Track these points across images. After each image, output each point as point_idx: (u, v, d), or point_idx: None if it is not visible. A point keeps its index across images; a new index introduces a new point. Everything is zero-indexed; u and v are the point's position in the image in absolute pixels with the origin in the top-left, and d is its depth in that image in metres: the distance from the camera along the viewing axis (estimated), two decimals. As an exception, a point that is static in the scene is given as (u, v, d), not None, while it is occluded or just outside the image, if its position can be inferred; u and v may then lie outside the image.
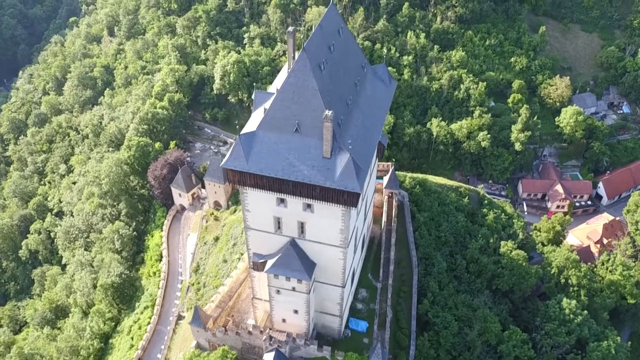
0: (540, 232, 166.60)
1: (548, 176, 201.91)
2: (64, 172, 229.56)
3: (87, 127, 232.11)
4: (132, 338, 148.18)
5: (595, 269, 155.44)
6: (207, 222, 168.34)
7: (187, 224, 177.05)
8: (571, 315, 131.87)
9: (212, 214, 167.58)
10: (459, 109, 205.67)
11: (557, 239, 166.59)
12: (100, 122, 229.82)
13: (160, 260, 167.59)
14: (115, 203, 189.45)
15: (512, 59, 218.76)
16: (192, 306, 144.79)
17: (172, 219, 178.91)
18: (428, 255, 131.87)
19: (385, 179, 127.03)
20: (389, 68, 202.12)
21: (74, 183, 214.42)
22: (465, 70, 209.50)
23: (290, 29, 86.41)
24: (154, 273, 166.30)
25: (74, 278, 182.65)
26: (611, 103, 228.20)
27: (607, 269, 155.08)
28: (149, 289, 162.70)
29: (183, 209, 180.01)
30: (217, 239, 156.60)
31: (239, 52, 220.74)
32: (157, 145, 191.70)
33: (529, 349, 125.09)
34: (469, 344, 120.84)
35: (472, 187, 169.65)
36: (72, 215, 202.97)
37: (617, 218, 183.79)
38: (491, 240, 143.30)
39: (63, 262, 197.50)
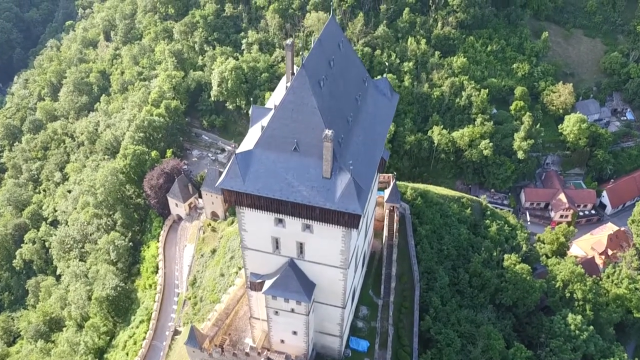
0: (544, 243, 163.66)
1: (551, 185, 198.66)
2: (59, 180, 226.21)
3: (82, 134, 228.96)
4: (127, 354, 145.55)
5: (600, 282, 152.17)
6: (204, 233, 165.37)
7: (183, 234, 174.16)
8: (577, 332, 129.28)
9: (210, 224, 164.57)
10: (461, 117, 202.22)
11: (561, 251, 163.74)
12: (96, 129, 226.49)
13: (157, 272, 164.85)
14: (110, 212, 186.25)
15: (514, 65, 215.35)
16: (188, 321, 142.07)
17: (169, 229, 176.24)
18: (430, 269, 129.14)
19: (387, 192, 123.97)
20: (389, 75, 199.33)
21: (69, 191, 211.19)
22: (467, 77, 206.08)
23: (289, 41, 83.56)
24: (150, 285, 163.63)
25: (68, 289, 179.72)
26: (614, 109, 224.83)
27: (612, 282, 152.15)
28: (145, 302, 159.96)
29: (180, 219, 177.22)
30: (214, 251, 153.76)
31: (237, 58, 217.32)
32: (154, 153, 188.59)
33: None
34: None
35: (474, 198, 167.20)
36: (67, 224, 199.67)
37: (622, 228, 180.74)
38: (494, 254, 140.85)
39: (58, 272, 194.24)
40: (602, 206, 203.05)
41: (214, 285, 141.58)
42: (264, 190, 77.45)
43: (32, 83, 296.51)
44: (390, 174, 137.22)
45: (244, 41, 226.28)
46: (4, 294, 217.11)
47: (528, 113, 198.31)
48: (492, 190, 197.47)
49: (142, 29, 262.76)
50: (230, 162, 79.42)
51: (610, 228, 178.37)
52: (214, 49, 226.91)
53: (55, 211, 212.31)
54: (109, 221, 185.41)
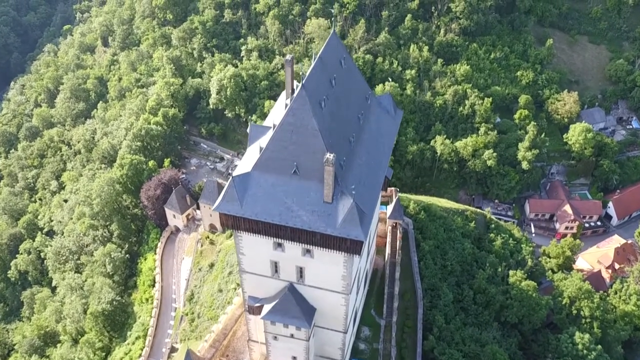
0: (549, 257, 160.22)
1: (556, 195, 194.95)
2: (56, 188, 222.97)
3: (79, 142, 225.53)
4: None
5: (607, 298, 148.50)
6: (202, 246, 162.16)
7: (181, 247, 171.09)
8: (585, 351, 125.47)
9: (208, 237, 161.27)
10: (464, 125, 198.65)
11: (567, 265, 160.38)
12: (93, 137, 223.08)
13: (153, 285, 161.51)
14: (107, 224, 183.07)
15: (518, 73, 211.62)
16: (185, 338, 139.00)
17: (166, 240, 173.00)
18: (433, 286, 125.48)
19: (390, 208, 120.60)
20: (391, 83, 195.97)
21: (65, 201, 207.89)
22: (470, 85, 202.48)
23: (288, 57, 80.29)
24: (147, 299, 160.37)
25: (64, 302, 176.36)
26: (620, 118, 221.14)
27: (620, 297, 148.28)
28: (141, 316, 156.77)
29: (177, 230, 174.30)
30: (212, 265, 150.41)
31: (236, 66, 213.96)
32: (151, 163, 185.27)
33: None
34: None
35: (478, 210, 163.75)
36: (62, 235, 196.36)
37: (629, 241, 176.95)
38: (499, 269, 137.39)
39: (53, 284, 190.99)
40: (608, 217, 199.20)
41: (212, 301, 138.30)
42: (262, 215, 74.53)
43: (28, 89, 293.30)
44: (393, 188, 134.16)
45: (243, 48, 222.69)
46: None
47: (533, 122, 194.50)
48: (496, 200, 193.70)
49: (140, 34, 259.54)
50: (227, 184, 76.34)
51: (617, 241, 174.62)
52: (212, 55, 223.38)
53: (51, 221, 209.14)
54: (105, 232, 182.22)
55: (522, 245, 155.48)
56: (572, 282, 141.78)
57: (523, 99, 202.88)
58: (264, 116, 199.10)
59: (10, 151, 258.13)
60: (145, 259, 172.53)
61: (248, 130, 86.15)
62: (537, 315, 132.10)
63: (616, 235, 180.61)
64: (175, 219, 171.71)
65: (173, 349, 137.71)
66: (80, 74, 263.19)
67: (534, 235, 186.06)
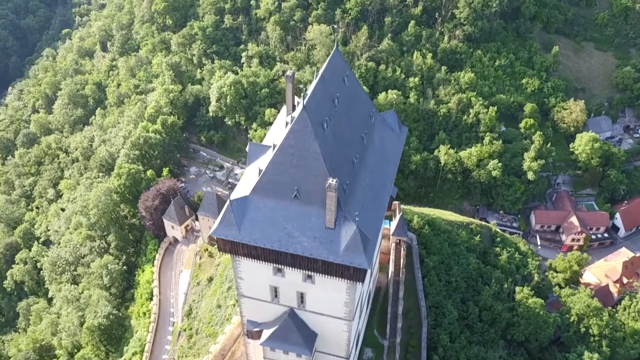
0: (556, 272, 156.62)
1: (562, 206, 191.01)
2: (53, 196, 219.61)
3: (77, 149, 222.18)
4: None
5: (616, 314, 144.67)
6: (200, 258, 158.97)
7: (180, 259, 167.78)
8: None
9: (207, 249, 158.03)
10: (468, 134, 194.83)
11: (574, 279, 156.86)
12: (91, 145, 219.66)
13: (151, 299, 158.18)
14: (104, 234, 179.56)
15: (524, 81, 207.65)
16: (183, 355, 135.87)
17: (165, 252, 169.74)
18: (438, 303, 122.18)
19: (393, 224, 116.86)
20: (394, 91, 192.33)
21: (63, 210, 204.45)
22: (475, 93, 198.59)
23: (289, 72, 76.84)
24: (144, 313, 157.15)
25: (60, 314, 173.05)
26: (627, 126, 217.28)
27: (629, 314, 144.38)
28: (139, 331, 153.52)
29: (176, 241, 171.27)
30: (211, 279, 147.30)
31: (236, 72, 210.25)
32: (149, 173, 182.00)
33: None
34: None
35: (483, 223, 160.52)
36: (59, 245, 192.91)
37: (638, 255, 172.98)
38: (505, 285, 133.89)
39: (50, 295, 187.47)
40: (615, 228, 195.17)
41: (211, 317, 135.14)
42: (261, 241, 71.26)
43: (26, 94, 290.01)
44: (397, 202, 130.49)
45: (243, 54, 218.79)
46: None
47: (538, 132, 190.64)
48: (501, 211, 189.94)
49: (140, 40, 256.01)
50: (225, 209, 72.83)
51: (624, 254, 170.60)
52: (212, 62, 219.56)
53: (48, 230, 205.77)
54: (102, 243, 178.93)
55: (528, 259, 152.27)
56: (580, 298, 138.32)
57: (528, 107, 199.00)
58: (264, 124, 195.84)
59: (7, 158, 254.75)
60: (143, 271, 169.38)
61: (247, 148, 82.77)
62: (544, 333, 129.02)
63: (624, 248, 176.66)
64: (173, 230, 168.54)
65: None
66: (79, 79, 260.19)
67: (539, 247, 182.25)
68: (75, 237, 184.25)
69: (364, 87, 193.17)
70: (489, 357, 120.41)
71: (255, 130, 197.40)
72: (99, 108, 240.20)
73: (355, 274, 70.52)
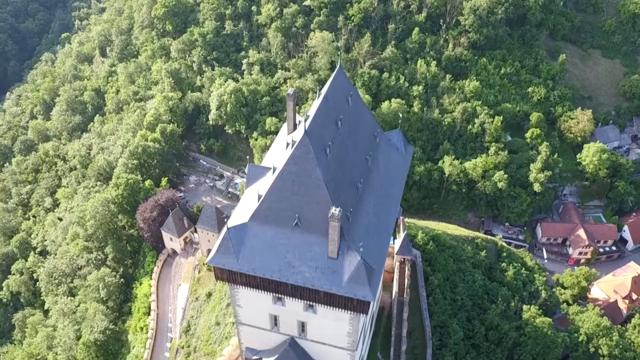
0: (564, 288, 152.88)
1: (569, 219, 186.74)
2: (50, 205, 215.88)
3: (74, 157, 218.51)
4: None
5: (626, 333, 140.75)
6: (199, 272, 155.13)
7: (178, 271, 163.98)
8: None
9: (205, 263, 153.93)
10: (473, 144, 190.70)
11: (582, 294, 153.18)
12: (89, 153, 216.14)
13: (149, 314, 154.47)
14: (101, 245, 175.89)
15: (530, 89, 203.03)
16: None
17: (163, 264, 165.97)
18: (443, 323, 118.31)
19: (397, 242, 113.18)
20: (397, 100, 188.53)
21: (60, 219, 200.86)
22: (480, 102, 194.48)
23: (290, 90, 73.78)
24: (141, 328, 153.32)
25: (56, 327, 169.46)
26: (635, 136, 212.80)
27: (639, 332, 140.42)
28: (135, 347, 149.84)
29: (175, 253, 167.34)
30: (209, 295, 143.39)
31: (236, 80, 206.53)
32: (147, 183, 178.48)
33: None
34: None
35: (489, 237, 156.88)
36: (56, 255, 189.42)
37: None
38: (512, 304, 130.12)
39: (46, 307, 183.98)
40: (623, 241, 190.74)
41: (209, 335, 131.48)
42: (260, 270, 68.34)
43: (24, 100, 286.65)
44: (401, 217, 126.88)
45: (244, 61, 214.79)
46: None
47: (545, 142, 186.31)
48: (507, 224, 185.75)
49: (139, 45, 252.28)
50: (222, 236, 69.37)
51: (634, 269, 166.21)
52: (212, 69, 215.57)
53: (45, 240, 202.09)
54: (99, 255, 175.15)
55: (535, 275, 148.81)
56: (589, 317, 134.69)
57: (535, 116, 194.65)
58: (265, 133, 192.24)
59: (5, 165, 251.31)
60: (141, 284, 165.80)
61: (246, 170, 79.51)
62: (552, 354, 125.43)
63: (632, 262, 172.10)
64: (172, 242, 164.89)
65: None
66: (77, 85, 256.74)
67: (546, 260, 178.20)
68: (72, 249, 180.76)
69: (367, 95, 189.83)
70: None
71: (256, 140, 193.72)
72: (97, 115, 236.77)
73: (359, 306, 67.76)
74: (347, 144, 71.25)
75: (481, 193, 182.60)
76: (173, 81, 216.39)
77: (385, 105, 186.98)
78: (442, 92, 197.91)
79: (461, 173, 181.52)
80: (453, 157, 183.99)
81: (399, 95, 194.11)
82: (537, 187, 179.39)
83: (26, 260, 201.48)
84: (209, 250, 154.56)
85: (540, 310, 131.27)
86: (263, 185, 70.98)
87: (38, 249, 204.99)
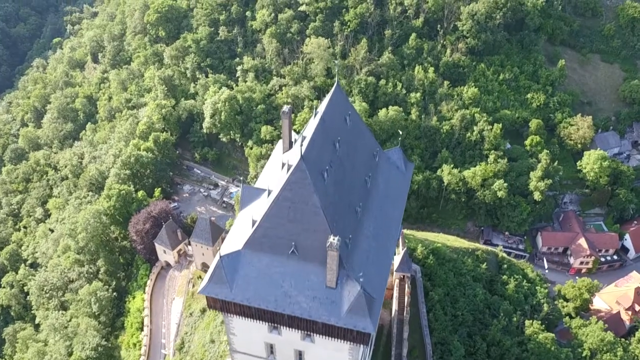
0: (566, 300, 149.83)
1: (570, 227, 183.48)
2: (41, 216, 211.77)
3: (66, 166, 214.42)
4: None
5: (630, 347, 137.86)
6: (193, 286, 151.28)
7: (172, 285, 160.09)
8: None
9: (200, 277, 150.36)
10: (472, 152, 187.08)
11: (584, 306, 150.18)
12: (80, 162, 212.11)
13: (142, 329, 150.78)
14: (93, 258, 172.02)
15: (529, 95, 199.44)
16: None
17: (156, 277, 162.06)
18: (444, 340, 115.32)
19: (397, 259, 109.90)
20: (395, 107, 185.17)
21: (51, 230, 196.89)
22: (478, 109, 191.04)
23: (286, 108, 70.62)
24: (134, 344, 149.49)
25: (47, 342, 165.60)
26: (635, 141, 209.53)
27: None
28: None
29: (168, 266, 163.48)
30: (204, 310, 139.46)
31: (231, 87, 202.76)
32: (140, 194, 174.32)
33: None
34: None
35: (489, 249, 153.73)
36: (47, 268, 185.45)
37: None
38: (514, 319, 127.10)
39: (37, 321, 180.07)
40: (624, 250, 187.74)
41: (203, 352, 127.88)
42: (255, 300, 65.09)
43: (15, 107, 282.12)
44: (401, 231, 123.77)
45: (239, 68, 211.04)
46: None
47: (545, 150, 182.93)
48: (507, 233, 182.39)
49: (132, 51, 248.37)
50: (215, 265, 65.94)
51: (636, 279, 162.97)
52: (206, 76, 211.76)
53: (35, 252, 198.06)
54: (91, 268, 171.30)
55: (536, 287, 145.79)
56: (593, 331, 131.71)
57: (534, 123, 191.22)
58: (260, 142, 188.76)
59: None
60: (134, 298, 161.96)
61: (240, 191, 76.15)
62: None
63: (635, 272, 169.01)
64: (165, 254, 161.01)
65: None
66: (69, 92, 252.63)
67: (547, 270, 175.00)
68: (63, 261, 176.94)
69: (364, 103, 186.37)
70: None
71: (251, 148, 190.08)
72: (89, 122, 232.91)
73: (359, 337, 64.54)
74: (345, 166, 67.92)
75: (480, 202, 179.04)
76: (166, 88, 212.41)
77: (382, 113, 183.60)
78: (440, 98, 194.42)
79: (460, 182, 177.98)
80: (452, 165, 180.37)
81: (397, 102, 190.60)
82: (537, 196, 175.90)
83: (17, 273, 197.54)
84: (203, 264, 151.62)
85: (543, 325, 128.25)
86: (257, 209, 67.70)
87: (29, 262, 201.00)
